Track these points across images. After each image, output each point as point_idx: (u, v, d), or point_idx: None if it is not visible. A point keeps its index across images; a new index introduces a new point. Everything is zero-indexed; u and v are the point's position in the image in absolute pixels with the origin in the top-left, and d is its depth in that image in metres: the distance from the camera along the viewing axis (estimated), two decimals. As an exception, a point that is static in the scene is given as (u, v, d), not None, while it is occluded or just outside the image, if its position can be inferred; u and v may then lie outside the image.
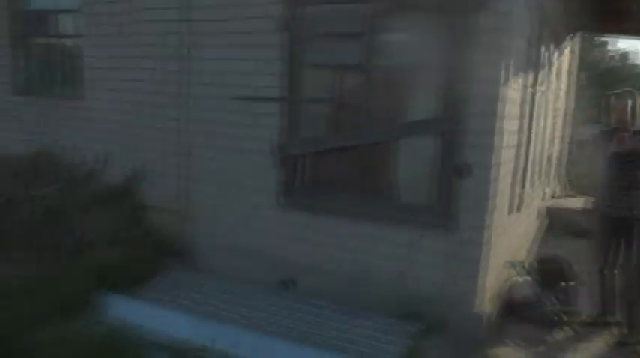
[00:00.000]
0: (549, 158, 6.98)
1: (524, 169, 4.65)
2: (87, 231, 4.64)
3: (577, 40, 8.25)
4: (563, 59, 7.20)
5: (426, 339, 3.43)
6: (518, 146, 4.28)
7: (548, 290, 4.08)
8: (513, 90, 3.66)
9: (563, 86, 7.72)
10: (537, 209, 6.37)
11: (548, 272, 4.25)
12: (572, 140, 8.81)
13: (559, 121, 7.60)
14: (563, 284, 4.16)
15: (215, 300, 3.93)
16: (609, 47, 18.30)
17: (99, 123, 5.32)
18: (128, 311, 3.61)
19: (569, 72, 8.12)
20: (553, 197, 7.78)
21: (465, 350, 3.44)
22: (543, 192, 6.86)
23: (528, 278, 4.18)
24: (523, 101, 4.14)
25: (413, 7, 3.66)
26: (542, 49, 4.94)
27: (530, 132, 4.65)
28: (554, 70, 6.24)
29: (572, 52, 7.99)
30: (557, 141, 7.69)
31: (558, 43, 6.23)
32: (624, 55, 18.78)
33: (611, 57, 18.52)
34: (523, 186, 4.64)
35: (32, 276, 4.06)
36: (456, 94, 3.47)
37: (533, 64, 4.53)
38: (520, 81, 3.92)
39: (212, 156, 4.45)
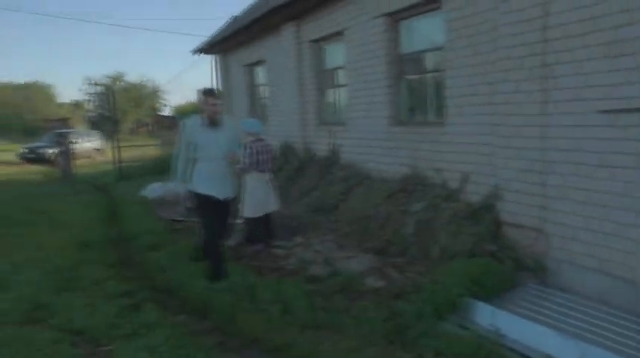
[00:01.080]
0: None
1: None
2: (450, 243, 5.17)
3: None
4: None
5: None
6: None
7: None
8: None
9: None
10: None
11: None
12: None
13: None
14: None
15: (575, 320, 3.81)
16: None
17: (457, 146, 5.88)
18: (491, 318, 3.84)
19: None
20: None
21: None
22: None
23: None
24: None
25: None
26: None
27: None
28: None
29: None
30: None
31: None
32: None
33: None
34: None
35: (413, 281, 4.78)
36: None
37: None
38: None
39: (572, 173, 4.34)
